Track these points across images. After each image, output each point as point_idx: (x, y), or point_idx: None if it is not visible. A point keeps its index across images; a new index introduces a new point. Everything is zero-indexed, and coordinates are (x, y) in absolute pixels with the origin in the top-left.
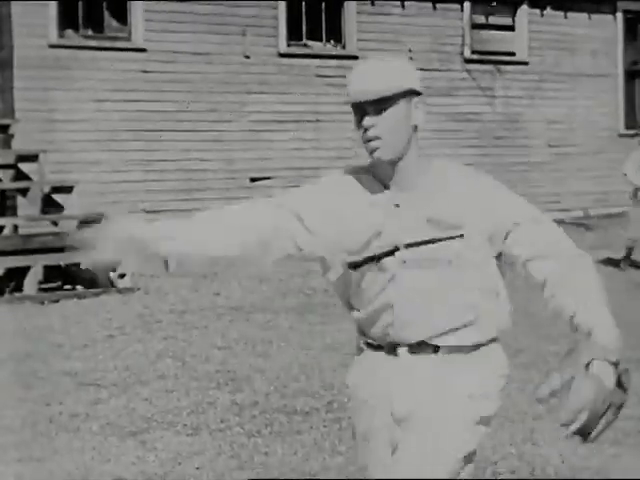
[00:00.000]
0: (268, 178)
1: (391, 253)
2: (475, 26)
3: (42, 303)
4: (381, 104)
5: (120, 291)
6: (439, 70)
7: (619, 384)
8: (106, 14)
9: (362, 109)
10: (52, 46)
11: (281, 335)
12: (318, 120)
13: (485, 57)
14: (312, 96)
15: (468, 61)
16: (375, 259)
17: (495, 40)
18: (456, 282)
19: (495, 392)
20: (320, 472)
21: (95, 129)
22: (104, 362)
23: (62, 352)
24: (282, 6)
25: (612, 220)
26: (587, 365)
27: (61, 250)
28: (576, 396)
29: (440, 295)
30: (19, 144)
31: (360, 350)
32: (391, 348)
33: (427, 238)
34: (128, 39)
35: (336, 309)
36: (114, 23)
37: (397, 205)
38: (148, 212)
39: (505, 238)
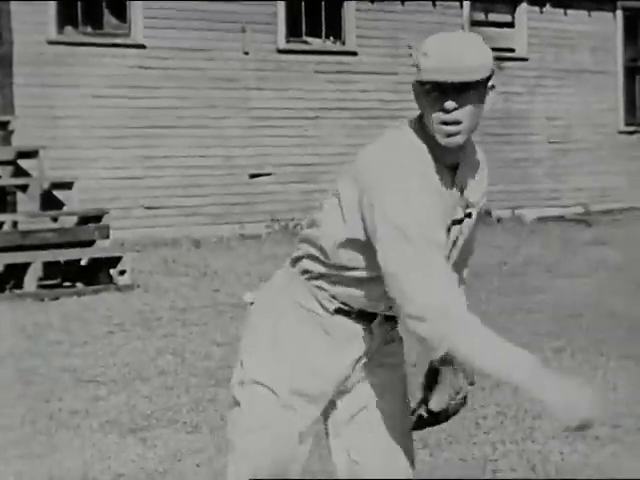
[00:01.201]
0: (267, 174)
1: (459, 221)
2: (475, 23)
3: (42, 300)
4: (467, 87)
5: (120, 288)
6: None
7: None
8: (105, 11)
9: (443, 90)
10: (51, 42)
11: None
12: (317, 116)
13: None
14: (311, 92)
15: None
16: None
17: (495, 37)
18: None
19: None
20: (320, 471)
21: (95, 125)
22: (104, 359)
23: (62, 349)
24: (281, 2)
25: (612, 216)
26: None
27: (61, 246)
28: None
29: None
30: (19, 140)
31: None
32: (365, 316)
33: (461, 217)
34: (127, 35)
35: None
36: (113, 20)
37: (461, 192)
38: (147, 208)
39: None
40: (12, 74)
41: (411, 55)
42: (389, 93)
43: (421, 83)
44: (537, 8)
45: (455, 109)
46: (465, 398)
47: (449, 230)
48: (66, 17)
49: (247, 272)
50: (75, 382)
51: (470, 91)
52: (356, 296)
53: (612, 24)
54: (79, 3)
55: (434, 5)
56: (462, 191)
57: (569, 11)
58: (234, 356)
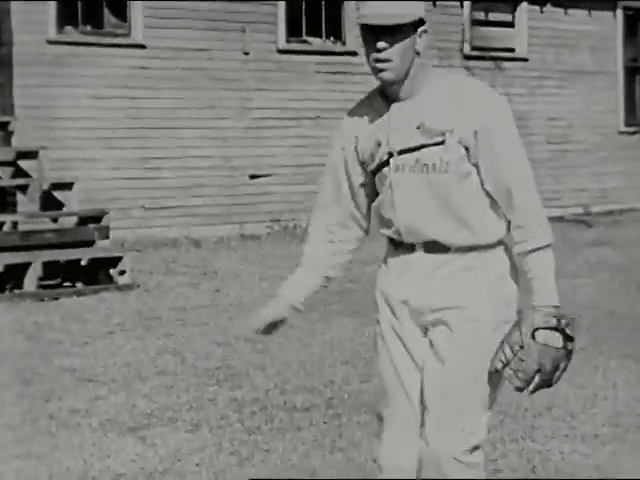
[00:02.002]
0: (267, 175)
1: (387, 162)
2: (475, 22)
3: (42, 300)
4: (394, 30)
5: (120, 288)
6: (439, 66)
7: (566, 337)
8: (105, 10)
9: (374, 33)
10: (51, 42)
11: (281, 332)
12: (318, 117)
13: (485, 53)
14: (312, 92)
15: (468, 57)
16: (377, 168)
17: (495, 37)
18: (442, 186)
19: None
20: (320, 469)
21: (94, 126)
22: (104, 359)
23: (62, 349)
24: (281, 2)
25: (612, 217)
26: (533, 334)
27: (61, 247)
28: (528, 363)
29: (430, 197)
30: (18, 141)
31: (387, 256)
32: (409, 248)
33: (415, 145)
34: (127, 35)
35: (336, 306)
36: (113, 19)
37: (389, 116)
38: (147, 209)
39: (478, 157)
40: (12, 74)
41: None
42: None
43: (361, 31)
44: (537, 8)
45: (384, 49)
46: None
47: (389, 158)
48: (66, 17)
49: (247, 272)
50: (75, 381)
51: (398, 34)
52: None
53: (612, 24)
54: (79, 3)
55: (434, 5)
56: (420, 124)
57: (569, 11)
58: (234, 356)
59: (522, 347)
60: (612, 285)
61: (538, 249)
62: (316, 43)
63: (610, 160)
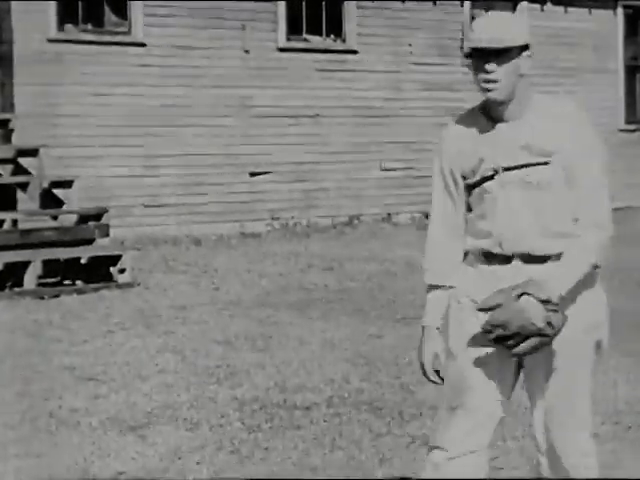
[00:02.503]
0: (267, 173)
1: (491, 177)
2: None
3: (42, 298)
4: (502, 52)
5: (120, 286)
6: (439, 64)
7: (548, 323)
8: (106, 9)
9: (484, 55)
10: (52, 41)
11: (281, 330)
12: (317, 114)
13: None
14: (312, 90)
15: (468, 56)
16: (479, 182)
17: None
18: (543, 202)
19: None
20: (320, 467)
21: (95, 124)
22: (104, 357)
23: (61, 347)
24: (282, 1)
25: (614, 215)
26: (519, 296)
27: (61, 245)
28: (496, 314)
29: (532, 213)
30: (19, 139)
31: (475, 262)
32: (504, 259)
33: (521, 163)
34: (128, 33)
35: (336, 304)
36: (114, 18)
37: (495, 134)
38: (147, 207)
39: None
40: (12, 72)
41: (412, 53)
42: (390, 91)
43: (469, 55)
44: (537, 6)
45: (493, 71)
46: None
47: (493, 175)
48: (66, 15)
49: (247, 270)
50: (75, 380)
51: (506, 57)
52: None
53: (613, 22)
54: (79, 1)
55: (434, 3)
56: (525, 144)
57: (570, 9)
58: (234, 354)
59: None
60: (612, 283)
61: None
62: (316, 41)
63: (610, 158)
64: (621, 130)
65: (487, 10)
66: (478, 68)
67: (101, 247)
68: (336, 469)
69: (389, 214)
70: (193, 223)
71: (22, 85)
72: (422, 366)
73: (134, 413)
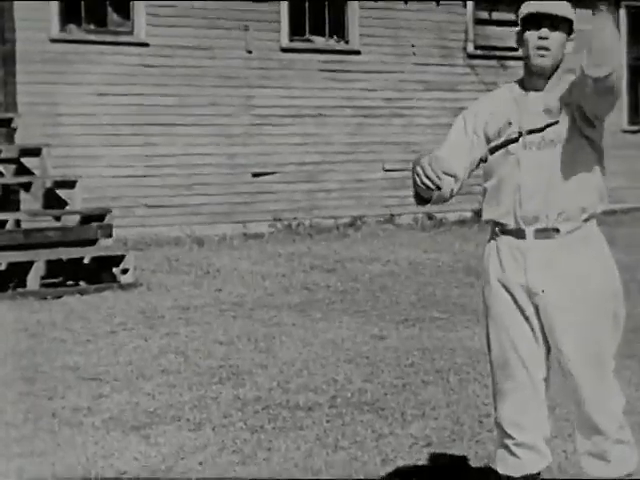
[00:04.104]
0: (270, 173)
1: (516, 139)
2: (478, 21)
3: (44, 298)
4: (557, 22)
5: (123, 287)
6: (442, 65)
7: None
8: (108, 9)
9: (537, 22)
10: (54, 40)
11: (283, 331)
12: (320, 115)
13: (488, 52)
14: (314, 91)
15: (471, 56)
16: (504, 144)
17: (498, 35)
18: (560, 156)
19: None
20: (323, 468)
21: (98, 123)
22: (107, 357)
23: (64, 347)
24: (284, 1)
25: (615, 217)
26: None
27: (64, 245)
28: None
29: (553, 172)
30: (22, 138)
31: (493, 238)
32: (519, 232)
33: (542, 125)
34: (130, 33)
35: (339, 305)
36: (116, 17)
37: (525, 101)
38: (150, 207)
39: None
40: (15, 72)
41: (414, 54)
42: (393, 91)
43: (522, 23)
44: None
45: (547, 38)
46: None
47: (518, 137)
48: (69, 15)
49: (250, 271)
50: (78, 380)
51: (559, 28)
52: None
53: (616, 23)
54: (82, 1)
55: (438, 4)
56: (545, 108)
57: None
58: (236, 354)
59: None
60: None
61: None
62: (319, 42)
63: (613, 159)
64: (624, 131)
65: (490, 11)
66: (531, 36)
67: (104, 247)
68: (339, 470)
69: (392, 215)
70: (196, 224)
71: (25, 85)
72: (418, 167)
73: (137, 413)
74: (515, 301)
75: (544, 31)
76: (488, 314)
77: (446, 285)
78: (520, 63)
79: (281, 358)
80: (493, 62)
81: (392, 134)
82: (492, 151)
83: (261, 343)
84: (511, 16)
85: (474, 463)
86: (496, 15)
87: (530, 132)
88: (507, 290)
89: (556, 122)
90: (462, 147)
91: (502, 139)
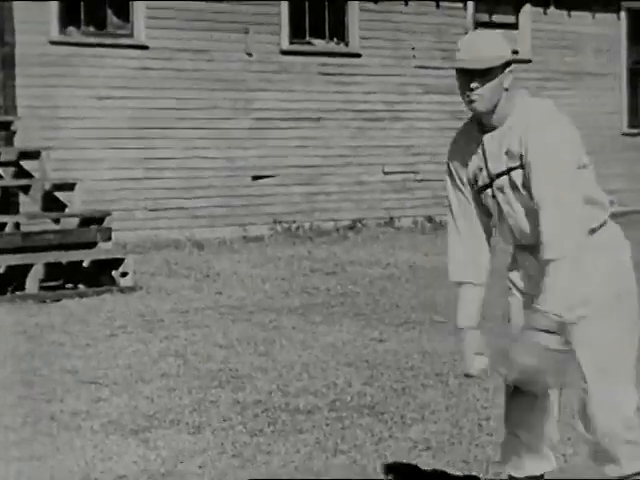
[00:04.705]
0: (270, 176)
1: (490, 184)
2: (478, 24)
3: (43, 301)
4: (486, 72)
5: (122, 290)
6: (442, 68)
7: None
8: (108, 11)
9: (468, 74)
10: (54, 43)
11: (283, 334)
12: (320, 118)
13: None
14: (314, 94)
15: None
16: (482, 189)
17: None
18: (527, 201)
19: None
20: (323, 471)
21: (97, 126)
22: (106, 361)
23: (63, 350)
24: (285, 3)
25: (616, 219)
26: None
27: (63, 248)
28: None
29: (526, 210)
30: (21, 141)
31: (513, 252)
32: (528, 247)
33: (505, 169)
34: (130, 36)
35: (339, 308)
36: (116, 20)
37: (484, 144)
38: (150, 210)
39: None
40: (14, 75)
41: (414, 57)
42: (392, 95)
43: (456, 72)
44: (541, 9)
45: (477, 87)
46: None
47: (491, 181)
48: (69, 17)
49: (249, 274)
50: (77, 383)
51: (488, 75)
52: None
53: (616, 26)
54: (82, 3)
55: (438, 6)
56: (507, 148)
57: (573, 13)
58: (236, 358)
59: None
60: None
61: (552, 260)
62: (319, 44)
63: (613, 162)
64: (624, 134)
65: (490, 14)
66: (463, 85)
67: (103, 250)
68: (338, 473)
69: (392, 218)
70: (195, 227)
71: (24, 87)
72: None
73: (136, 417)
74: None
75: (473, 84)
76: (509, 316)
77: (446, 288)
78: (521, 66)
79: (281, 361)
80: None
81: (392, 137)
82: (478, 193)
83: (261, 346)
84: (511, 18)
85: (473, 467)
86: (496, 17)
87: (498, 176)
88: (524, 295)
89: (519, 167)
90: (470, 215)
91: (479, 184)
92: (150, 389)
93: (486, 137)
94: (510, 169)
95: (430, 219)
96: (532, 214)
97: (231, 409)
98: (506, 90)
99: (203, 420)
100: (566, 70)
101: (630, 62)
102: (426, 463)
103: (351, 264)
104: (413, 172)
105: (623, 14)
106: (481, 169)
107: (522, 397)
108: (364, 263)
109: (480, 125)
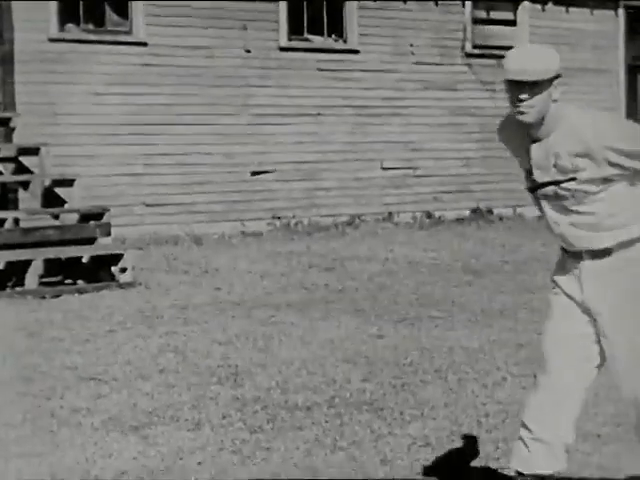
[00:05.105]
0: (269, 172)
1: (534, 189)
2: (476, 21)
3: (43, 297)
4: (535, 84)
5: (121, 286)
6: (440, 64)
7: None
8: (107, 8)
9: (519, 85)
10: (53, 40)
11: (282, 330)
12: (319, 114)
13: (486, 52)
14: (313, 90)
15: (469, 55)
16: (532, 189)
17: (496, 35)
18: (584, 208)
19: None
20: (322, 468)
21: (96, 123)
22: (105, 357)
23: (63, 346)
24: (283, 0)
25: None
26: None
27: (62, 244)
28: None
29: (573, 219)
30: (20, 137)
31: (561, 254)
32: (575, 253)
33: (553, 179)
34: (129, 33)
35: (337, 304)
36: (115, 17)
37: (531, 153)
38: (149, 206)
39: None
40: (14, 71)
41: (413, 53)
42: (391, 91)
43: (505, 82)
44: (539, 6)
45: (527, 99)
46: None
47: (536, 187)
48: (68, 14)
49: (248, 270)
50: (76, 380)
51: (539, 87)
52: None
53: (614, 22)
54: (81, 1)
55: (436, 3)
56: (555, 161)
57: (571, 9)
58: (235, 354)
59: None
60: None
61: None
62: (318, 41)
63: None
64: None
65: (488, 11)
66: (512, 97)
67: (102, 246)
68: (337, 470)
69: (390, 213)
70: (194, 222)
71: (23, 84)
72: None
73: (136, 413)
74: (573, 309)
75: (522, 96)
76: (548, 314)
77: (445, 284)
78: None
79: (280, 357)
80: (491, 61)
81: (390, 133)
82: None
83: (260, 342)
84: (509, 15)
85: (472, 463)
86: (494, 14)
87: (542, 185)
88: (569, 298)
89: (572, 179)
90: None
91: (528, 185)
92: (149, 385)
93: (533, 147)
94: (559, 181)
95: (429, 214)
96: (574, 220)
97: (230, 406)
98: (554, 102)
99: (202, 416)
100: (564, 66)
101: (628, 58)
102: (426, 459)
103: (350, 260)
104: (412, 168)
105: (621, 10)
106: (530, 174)
107: (548, 392)
108: (363, 259)
109: (527, 132)
